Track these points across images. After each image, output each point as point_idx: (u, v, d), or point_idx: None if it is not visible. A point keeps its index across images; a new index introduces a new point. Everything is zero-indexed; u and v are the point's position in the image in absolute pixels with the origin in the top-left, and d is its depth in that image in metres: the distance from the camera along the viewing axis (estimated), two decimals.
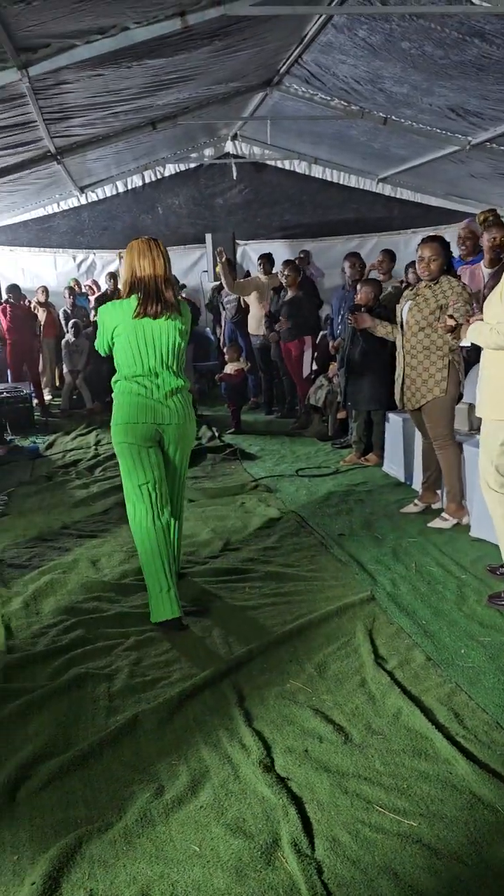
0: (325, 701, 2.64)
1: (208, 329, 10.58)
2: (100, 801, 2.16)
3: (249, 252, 10.94)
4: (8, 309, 8.50)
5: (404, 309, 4.38)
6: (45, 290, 9.69)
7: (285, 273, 7.34)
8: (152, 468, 3.23)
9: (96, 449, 6.90)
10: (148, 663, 2.93)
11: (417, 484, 4.97)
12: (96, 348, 3.42)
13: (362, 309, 5.22)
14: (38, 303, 9.55)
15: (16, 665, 2.93)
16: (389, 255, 7.16)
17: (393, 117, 7.48)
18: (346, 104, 7.45)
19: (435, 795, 2.13)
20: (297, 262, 8.25)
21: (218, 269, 9.82)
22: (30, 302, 9.46)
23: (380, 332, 4.65)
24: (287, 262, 7.70)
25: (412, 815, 2.05)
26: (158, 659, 2.96)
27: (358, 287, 5.86)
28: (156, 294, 3.17)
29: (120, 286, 3.47)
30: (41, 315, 9.52)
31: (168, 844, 1.98)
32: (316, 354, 7.38)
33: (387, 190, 10.90)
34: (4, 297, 8.93)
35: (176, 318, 3.22)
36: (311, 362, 7.38)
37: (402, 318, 4.40)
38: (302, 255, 10.31)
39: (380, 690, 2.67)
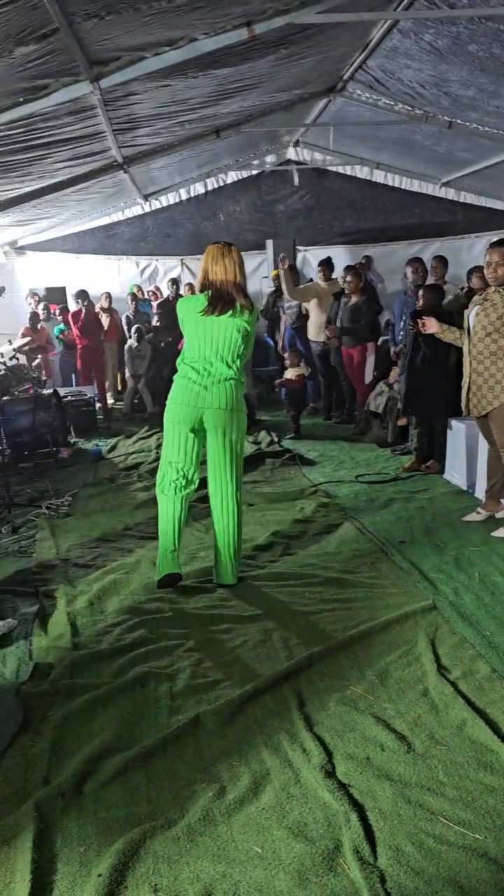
0: (387, 709, 2.62)
1: (266, 335, 10.61)
2: (163, 799, 2.19)
3: (309, 258, 10.94)
4: (81, 314, 8.74)
5: (471, 314, 4.32)
6: (109, 296, 9.90)
7: (347, 279, 7.31)
8: (186, 452, 3.61)
9: (157, 452, 7.01)
10: (209, 664, 2.96)
11: (480, 492, 4.87)
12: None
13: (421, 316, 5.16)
14: (102, 308, 9.78)
15: (82, 662, 3.00)
16: (443, 262, 7.05)
17: (458, 121, 7.38)
18: (410, 108, 7.39)
19: (502, 810, 2.09)
20: (358, 267, 8.21)
21: (274, 274, 9.87)
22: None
23: (447, 338, 4.59)
24: (349, 268, 7.67)
25: (478, 828, 2.02)
26: (219, 661, 2.99)
27: (420, 293, 5.80)
28: (226, 296, 3.49)
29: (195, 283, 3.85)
30: (105, 320, 9.74)
31: (230, 844, 2.00)
32: (376, 360, 7.33)
33: (450, 194, 10.75)
34: (75, 303, 9.18)
35: (239, 317, 3.51)
36: (373, 368, 7.33)
37: (469, 324, 4.33)
38: (363, 261, 10.26)
39: (443, 701, 2.64)
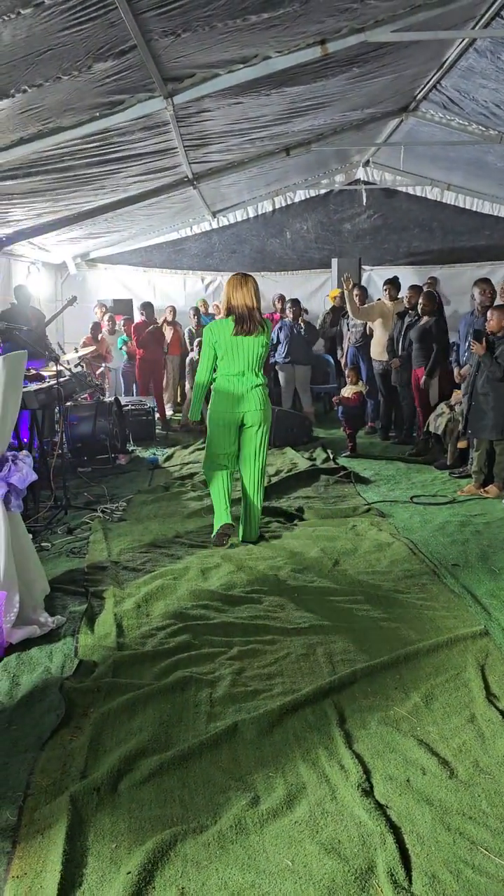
0: (431, 732, 2.54)
1: (325, 353, 10.59)
2: (196, 803, 2.17)
3: (375, 277, 10.89)
4: (143, 326, 8.94)
5: None
6: (173, 309, 10.08)
7: (421, 300, 7.24)
8: (231, 444, 4.57)
9: None
10: (250, 674, 2.94)
11: None
12: (197, 372, 4.68)
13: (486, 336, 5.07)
14: (166, 321, 9.96)
15: (125, 662, 3.02)
16: None
17: None
18: (484, 129, 7.30)
19: None
20: (428, 287, 8.12)
21: (334, 293, 9.86)
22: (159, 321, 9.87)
23: None
24: (415, 288, 7.62)
25: None
26: (261, 671, 2.97)
27: (489, 314, 5.69)
28: (248, 318, 4.39)
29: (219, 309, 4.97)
30: (168, 333, 9.90)
31: (261, 854, 1.96)
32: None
33: None
34: (140, 315, 9.38)
35: (261, 335, 4.46)
36: (441, 390, 7.21)
37: None
38: (430, 281, 10.16)
39: (490, 729, 2.54)
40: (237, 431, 4.56)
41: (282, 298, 10.10)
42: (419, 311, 7.26)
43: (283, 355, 8.73)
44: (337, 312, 9.85)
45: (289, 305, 8.95)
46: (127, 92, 4.54)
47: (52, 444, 6.07)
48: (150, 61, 4.12)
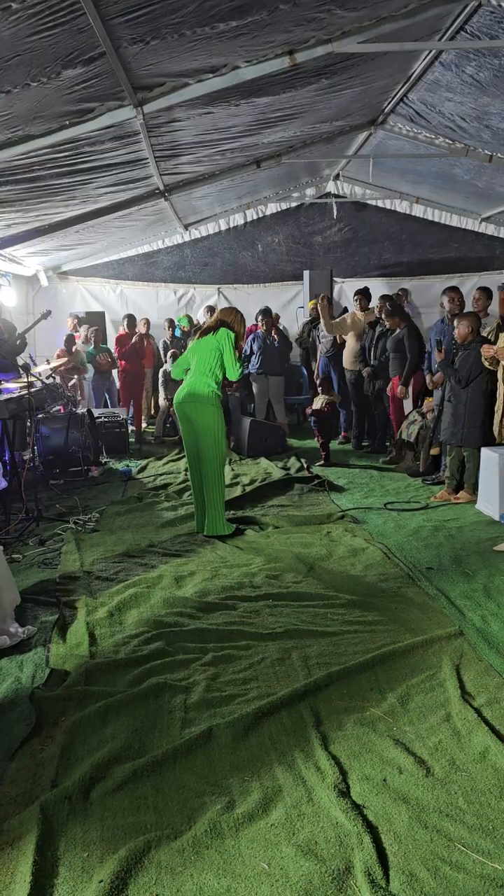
0: (407, 732, 2.52)
1: (300, 364, 10.64)
2: (170, 809, 2.13)
3: (346, 289, 10.99)
4: (125, 338, 8.94)
5: None
6: (147, 321, 10.07)
7: (384, 317, 7.32)
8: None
9: (186, 475, 7.01)
10: (225, 679, 2.90)
11: None
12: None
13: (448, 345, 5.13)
14: (140, 333, 9.94)
15: (97, 670, 2.97)
16: (486, 293, 7.01)
17: (499, 154, 7.38)
18: (450, 142, 7.43)
19: None
20: (396, 297, 8.21)
21: (312, 304, 9.93)
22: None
23: None
24: (386, 297, 7.70)
25: (497, 857, 1.92)
26: (236, 676, 2.93)
27: (456, 321, 5.77)
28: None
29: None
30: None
31: (236, 859, 1.93)
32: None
33: (490, 229, 10.74)
34: (122, 327, 9.35)
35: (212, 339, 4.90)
36: (415, 398, 7.27)
37: None
38: (400, 293, 10.27)
39: (466, 727, 2.54)
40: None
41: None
42: (387, 325, 7.34)
43: (257, 366, 8.74)
44: (311, 324, 9.91)
45: (261, 317, 8.98)
46: (97, 100, 4.54)
47: (24, 460, 5.99)
48: (120, 69, 4.12)
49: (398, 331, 7.22)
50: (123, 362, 9.08)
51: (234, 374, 4.86)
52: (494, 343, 5.30)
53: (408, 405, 7.29)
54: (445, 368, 5.60)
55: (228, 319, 4.95)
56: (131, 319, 9.22)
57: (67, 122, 4.70)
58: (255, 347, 8.76)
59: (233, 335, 4.85)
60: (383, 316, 7.38)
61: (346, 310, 8.83)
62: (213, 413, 4.83)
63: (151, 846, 1.96)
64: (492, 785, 2.21)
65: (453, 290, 6.64)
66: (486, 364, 5.24)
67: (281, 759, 2.36)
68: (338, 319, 8.47)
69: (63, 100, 4.35)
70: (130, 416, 9.28)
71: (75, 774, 2.26)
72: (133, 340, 8.99)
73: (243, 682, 2.88)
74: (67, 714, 2.64)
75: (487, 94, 5.87)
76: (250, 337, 8.85)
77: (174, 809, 2.13)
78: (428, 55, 5.56)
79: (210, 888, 1.82)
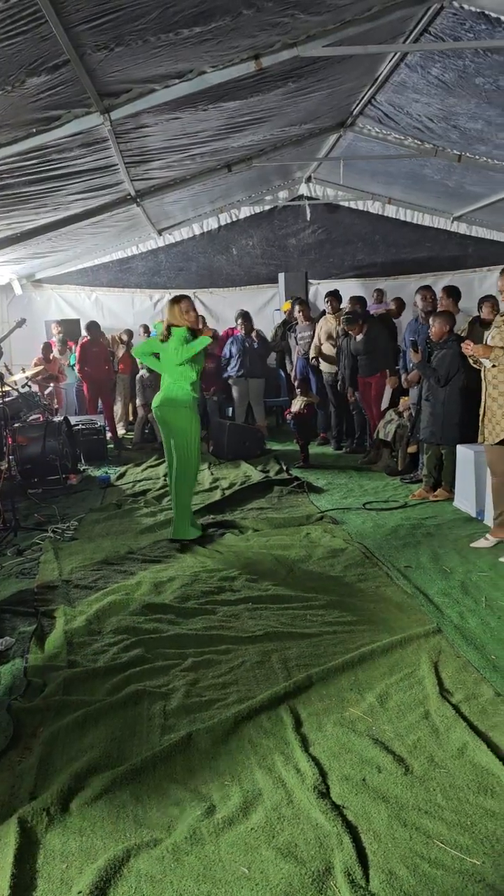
0: (386, 731, 2.54)
1: (277, 366, 10.66)
2: (149, 817, 2.12)
3: (322, 291, 11.02)
4: (87, 345, 8.86)
5: (487, 339, 4.30)
6: (130, 332, 10.06)
7: (345, 327, 7.40)
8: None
9: (165, 480, 6.99)
10: (205, 684, 2.90)
11: (489, 519, 4.80)
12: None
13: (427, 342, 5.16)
14: (120, 340, 9.91)
15: (76, 679, 2.95)
16: (447, 292, 7.04)
17: (467, 154, 7.46)
18: (419, 143, 7.49)
19: (501, 835, 2.00)
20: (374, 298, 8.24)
21: (286, 306, 9.96)
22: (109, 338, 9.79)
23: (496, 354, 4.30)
24: (356, 299, 7.74)
25: (476, 853, 1.93)
26: (215, 681, 2.93)
27: (431, 319, 5.81)
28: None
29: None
30: (119, 351, 9.84)
31: (217, 864, 1.92)
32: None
33: (461, 228, 10.84)
34: (83, 333, 9.29)
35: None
36: (390, 396, 7.31)
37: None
38: (375, 295, 10.34)
39: (444, 724, 2.55)
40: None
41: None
42: (350, 333, 7.39)
43: (237, 369, 8.72)
44: (285, 326, 9.93)
45: (240, 320, 8.97)
46: (63, 107, 4.52)
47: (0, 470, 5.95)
48: (85, 76, 4.11)
49: (360, 336, 7.27)
50: (85, 368, 8.97)
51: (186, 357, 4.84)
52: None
53: (385, 403, 7.34)
54: (423, 368, 5.64)
55: (172, 320, 4.94)
56: (94, 326, 9.14)
57: (34, 130, 4.67)
58: (234, 350, 8.74)
59: (183, 330, 4.86)
60: (345, 326, 7.43)
61: (323, 312, 8.85)
62: (189, 416, 4.88)
63: (131, 855, 1.96)
64: (470, 781, 2.23)
65: (426, 289, 6.70)
66: (472, 362, 5.22)
67: (261, 763, 2.36)
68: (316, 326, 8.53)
69: (29, 108, 4.33)
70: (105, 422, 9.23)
71: (54, 785, 2.25)
72: (86, 345, 8.88)
73: (223, 687, 2.88)
74: (45, 724, 2.62)
75: (454, 94, 5.93)
76: (229, 340, 8.85)
77: (153, 817, 2.12)
78: (394, 57, 5.60)
79: (190, 894, 1.82)
